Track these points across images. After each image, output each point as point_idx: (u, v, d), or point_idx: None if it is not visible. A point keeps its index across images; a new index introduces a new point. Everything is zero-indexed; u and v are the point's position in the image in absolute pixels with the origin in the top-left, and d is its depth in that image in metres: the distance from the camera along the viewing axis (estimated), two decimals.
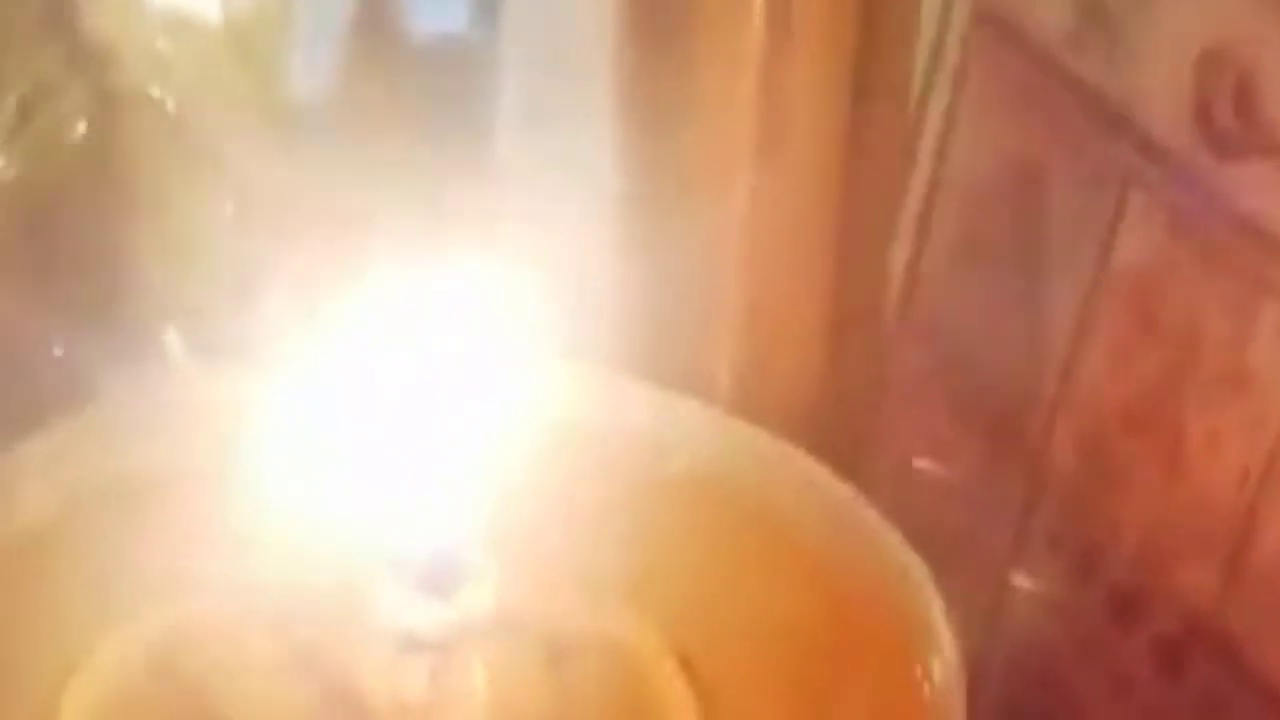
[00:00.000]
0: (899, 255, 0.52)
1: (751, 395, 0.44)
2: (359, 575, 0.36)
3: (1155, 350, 0.45)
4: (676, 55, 0.42)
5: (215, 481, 0.38)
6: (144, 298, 0.54)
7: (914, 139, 0.51)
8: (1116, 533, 0.47)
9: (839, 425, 0.48)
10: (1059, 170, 0.47)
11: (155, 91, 0.51)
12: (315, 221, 0.52)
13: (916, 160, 0.50)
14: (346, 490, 0.38)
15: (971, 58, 0.50)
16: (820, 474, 0.39)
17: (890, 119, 0.45)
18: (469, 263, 0.46)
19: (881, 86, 0.43)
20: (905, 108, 0.46)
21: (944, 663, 0.35)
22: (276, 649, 0.37)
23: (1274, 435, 0.43)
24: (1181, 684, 0.46)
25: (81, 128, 0.51)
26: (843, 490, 0.38)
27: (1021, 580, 0.51)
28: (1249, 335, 0.43)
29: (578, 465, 0.40)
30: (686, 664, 0.38)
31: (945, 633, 0.35)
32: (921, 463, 0.53)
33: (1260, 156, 0.42)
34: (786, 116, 0.41)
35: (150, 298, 0.54)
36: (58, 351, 0.53)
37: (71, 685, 0.36)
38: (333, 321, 0.40)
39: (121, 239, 0.53)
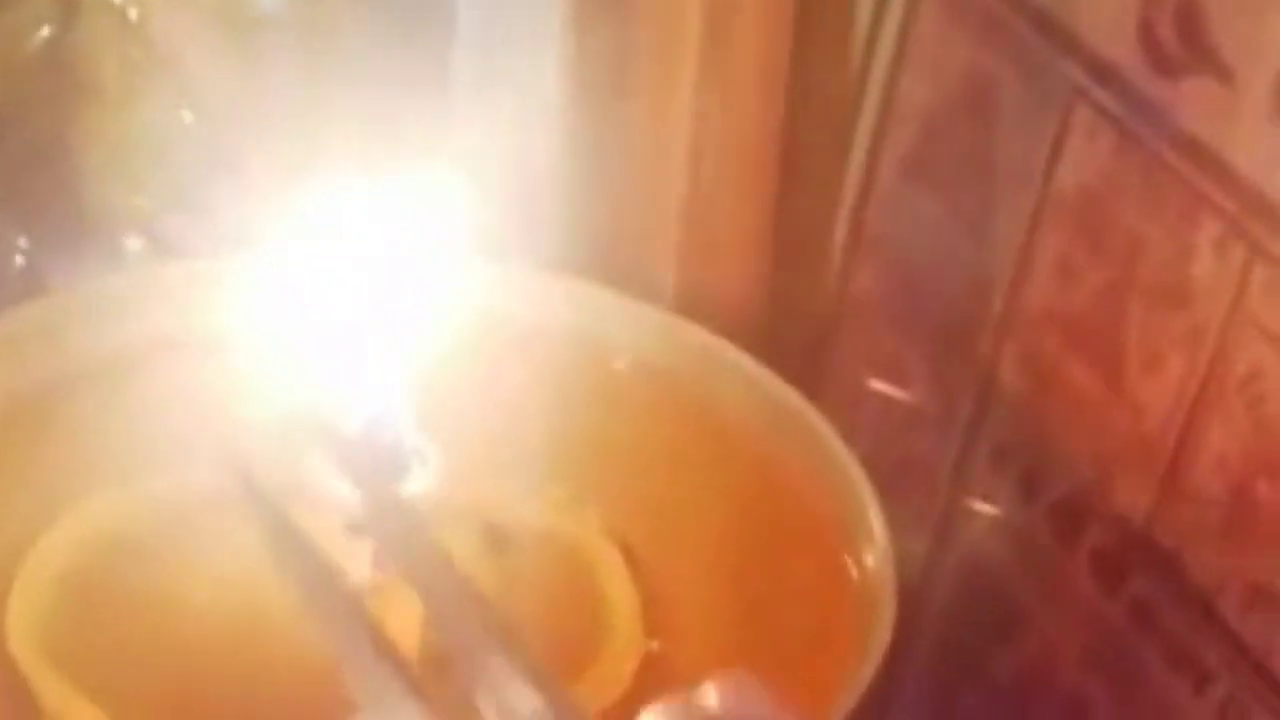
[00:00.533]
0: (853, 176, 0.53)
1: (697, 299, 0.45)
2: (305, 461, 0.36)
3: (1099, 267, 0.46)
4: None
5: (162, 371, 0.39)
6: (105, 202, 0.54)
7: (867, 61, 0.51)
8: (1059, 449, 0.48)
9: (787, 336, 0.49)
10: (1007, 89, 0.48)
11: None
12: (274, 127, 0.52)
13: (866, 77, 0.50)
14: (296, 381, 0.38)
15: None
16: (759, 371, 0.39)
17: (835, 32, 0.46)
18: (424, 165, 0.47)
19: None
20: (849, 21, 0.47)
21: (875, 550, 0.36)
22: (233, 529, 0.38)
23: (1211, 350, 0.43)
24: (1118, 595, 0.47)
25: (44, 33, 0.52)
26: (782, 387, 0.39)
27: (968, 496, 0.51)
28: (1189, 251, 0.43)
29: (526, 363, 0.41)
30: (628, 553, 0.39)
31: (878, 522, 0.36)
32: (873, 381, 0.53)
33: (1200, 75, 0.42)
34: (730, 18, 0.42)
35: (111, 202, 0.54)
36: (20, 260, 0.54)
37: (23, 565, 0.37)
38: (287, 219, 0.41)
39: (83, 144, 0.54)
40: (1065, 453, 0.48)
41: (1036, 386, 0.49)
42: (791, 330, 0.50)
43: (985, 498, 0.50)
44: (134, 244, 0.55)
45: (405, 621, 0.36)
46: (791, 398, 0.39)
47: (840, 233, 0.53)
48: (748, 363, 0.39)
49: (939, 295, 0.51)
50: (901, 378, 0.53)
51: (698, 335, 0.40)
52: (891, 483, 0.54)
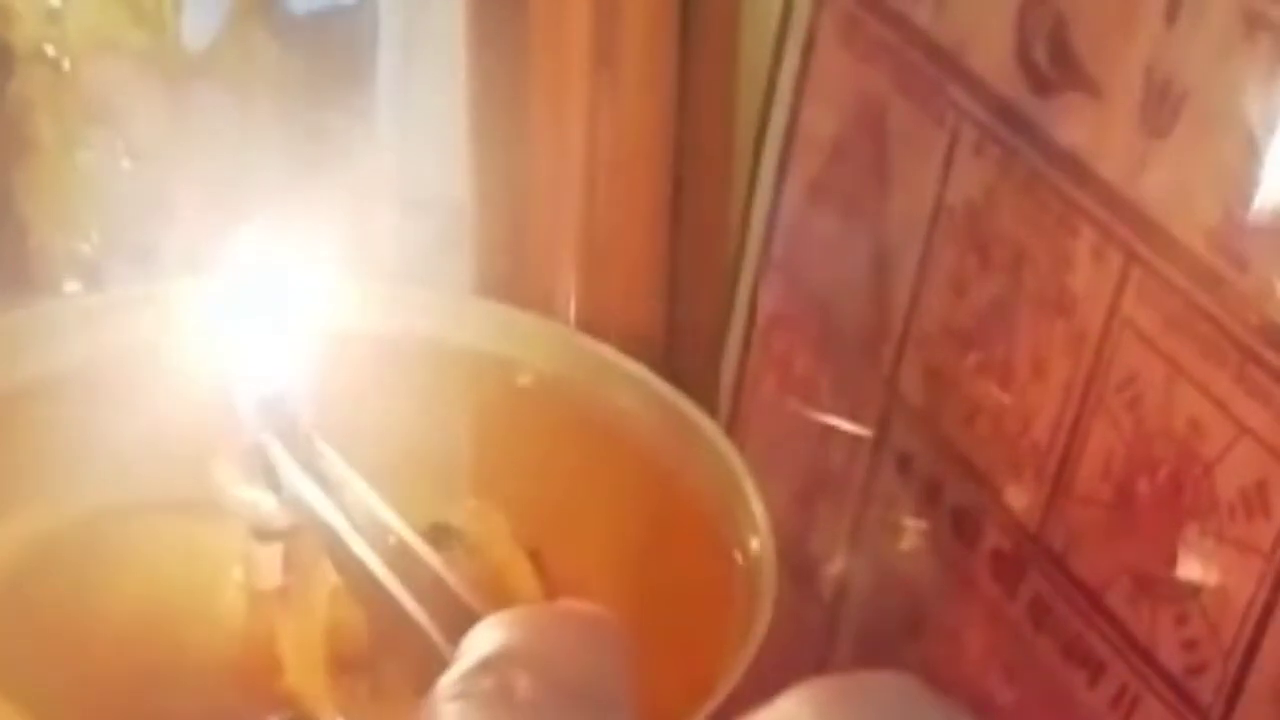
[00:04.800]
0: (761, 202, 0.55)
1: (599, 322, 0.47)
2: (214, 472, 0.38)
3: (988, 278, 0.48)
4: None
5: (84, 390, 0.41)
6: (45, 248, 0.56)
7: (771, 91, 0.54)
8: (958, 457, 0.50)
9: (696, 357, 0.51)
10: (899, 113, 0.50)
11: (49, 49, 0.53)
12: (206, 173, 0.54)
13: (770, 107, 0.53)
14: (210, 395, 0.40)
15: (821, 13, 0.53)
16: (652, 379, 0.41)
17: (720, 57, 0.48)
18: (345, 204, 0.49)
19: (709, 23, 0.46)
20: (731, 44, 0.49)
21: (759, 538, 0.38)
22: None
23: (1092, 354, 0.45)
24: (1017, 595, 0.49)
25: None
26: (671, 392, 0.41)
27: (877, 507, 0.53)
28: (1069, 259, 0.46)
29: (437, 378, 0.43)
30: (534, 556, 0.41)
31: (760, 513, 0.38)
32: (785, 398, 0.55)
33: (1072, 92, 0.45)
34: (615, 46, 0.44)
35: (52, 248, 0.56)
36: None
37: None
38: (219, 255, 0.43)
39: (23, 192, 0.56)
40: (965, 460, 0.50)
41: (936, 397, 0.51)
42: (702, 351, 0.52)
43: (893, 507, 0.52)
44: (75, 288, 0.57)
45: (309, 626, 0.38)
46: (680, 402, 0.41)
47: (752, 257, 0.55)
48: (641, 372, 0.42)
49: (845, 313, 0.54)
50: (812, 395, 0.55)
51: (595, 349, 0.42)
52: (806, 498, 0.56)
